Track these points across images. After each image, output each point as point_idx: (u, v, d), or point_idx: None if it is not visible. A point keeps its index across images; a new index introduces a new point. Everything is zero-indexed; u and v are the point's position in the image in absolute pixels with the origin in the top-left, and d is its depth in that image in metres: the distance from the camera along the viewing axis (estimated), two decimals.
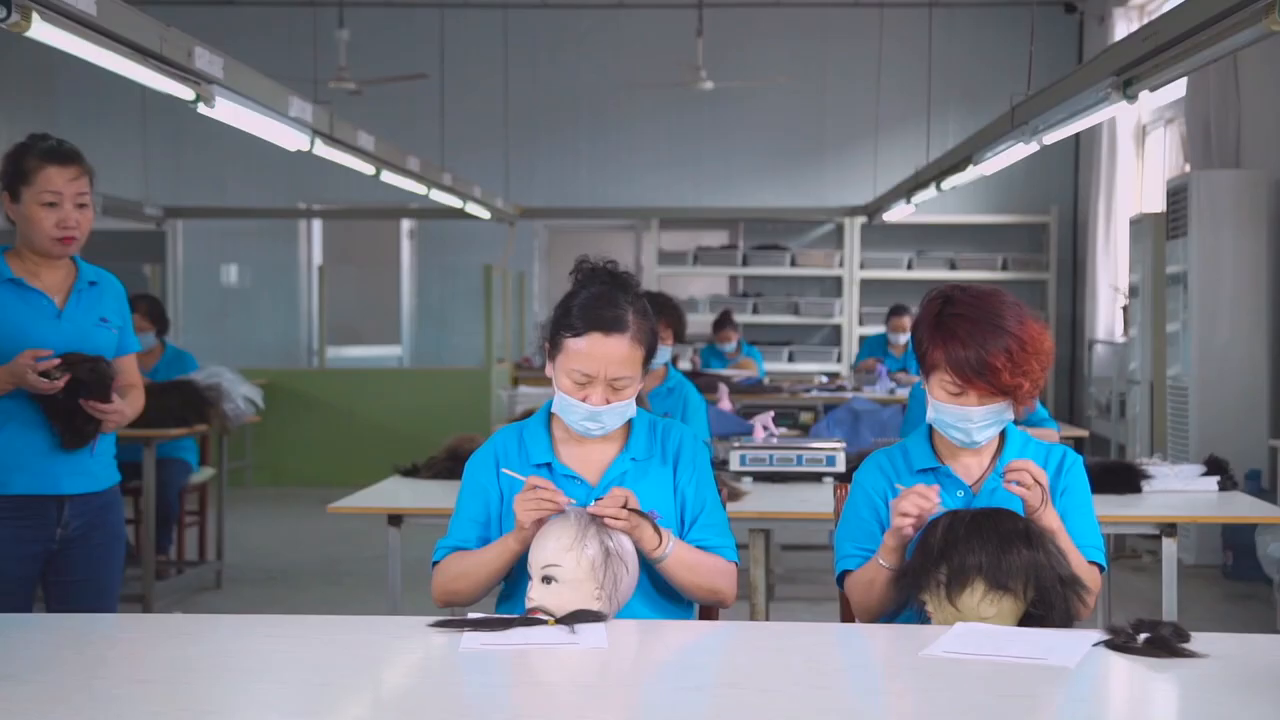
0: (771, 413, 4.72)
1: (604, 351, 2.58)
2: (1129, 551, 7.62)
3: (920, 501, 2.48)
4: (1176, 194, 7.62)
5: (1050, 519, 2.52)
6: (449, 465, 4.48)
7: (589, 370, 2.58)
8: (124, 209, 10.33)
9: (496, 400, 10.08)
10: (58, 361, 3.21)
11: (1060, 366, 11.37)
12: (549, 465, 2.67)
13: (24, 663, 2.11)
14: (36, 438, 3.29)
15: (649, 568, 2.58)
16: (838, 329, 11.82)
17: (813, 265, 11.69)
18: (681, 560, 2.58)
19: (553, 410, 2.70)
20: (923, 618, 2.46)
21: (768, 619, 4.25)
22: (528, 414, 2.92)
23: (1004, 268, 11.39)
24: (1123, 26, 9.85)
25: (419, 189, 8.34)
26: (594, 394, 2.59)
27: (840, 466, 4.36)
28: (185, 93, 4.39)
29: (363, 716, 1.91)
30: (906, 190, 9.07)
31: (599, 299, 2.61)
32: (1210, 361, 7.37)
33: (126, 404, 3.40)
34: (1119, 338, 9.59)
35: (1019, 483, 2.49)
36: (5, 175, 3.28)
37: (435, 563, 2.69)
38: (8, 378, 3.22)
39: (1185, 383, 7.50)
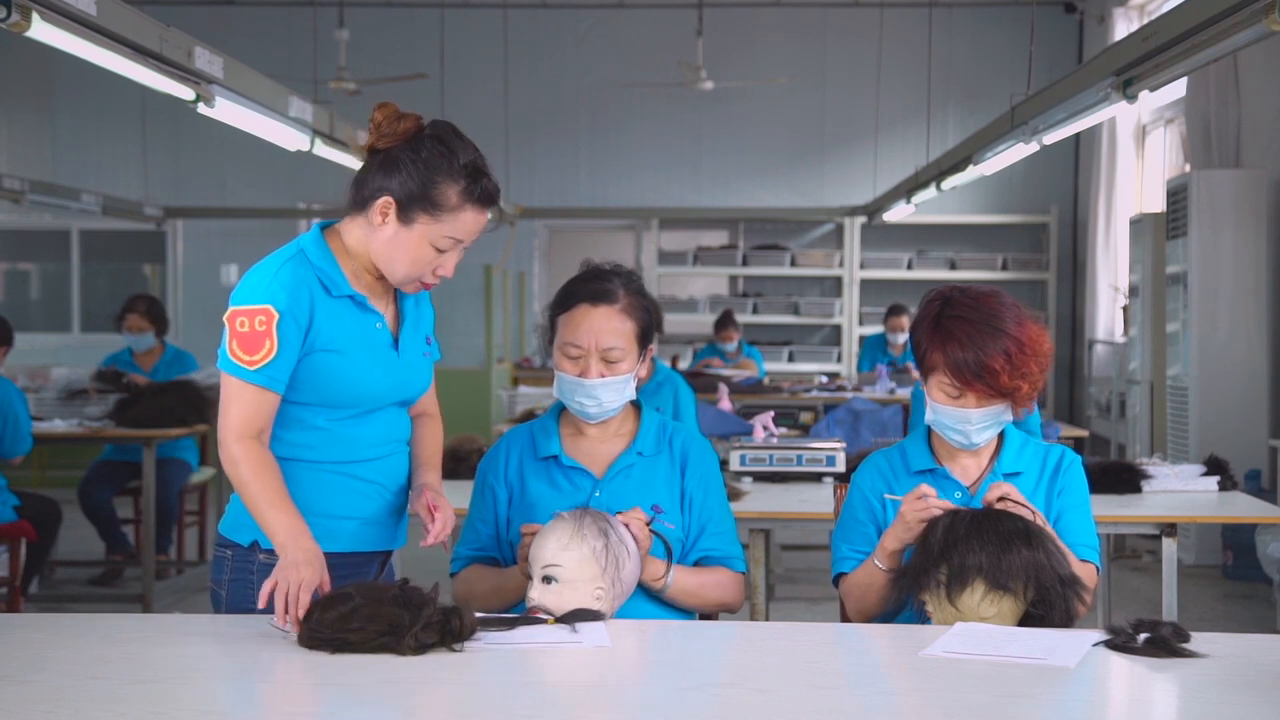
0: (771, 413, 4.72)
1: (591, 322, 2.61)
2: (1129, 551, 7.62)
3: (938, 503, 2.49)
4: (1176, 194, 7.62)
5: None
6: (449, 465, 4.46)
7: (579, 341, 2.61)
8: (124, 209, 10.33)
9: (496, 400, 10.08)
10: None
11: (1060, 366, 11.37)
12: (556, 458, 2.69)
13: (23, 663, 2.11)
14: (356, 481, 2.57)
15: None
16: (838, 329, 11.81)
17: (813, 265, 11.69)
18: (683, 588, 2.60)
19: (560, 402, 2.73)
20: (923, 618, 2.46)
21: (768, 619, 4.25)
22: (528, 414, 2.94)
23: (1004, 268, 11.39)
24: (1123, 26, 9.85)
25: None
26: (588, 368, 2.61)
27: (840, 466, 4.36)
28: (185, 93, 4.39)
29: (363, 716, 1.91)
30: (906, 190, 9.07)
31: (588, 276, 2.68)
32: (1210, 361, 7.37)
33: (434, 472, 2.62)
34: (1119, 338, 9.59)
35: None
36: (405, 184, 2.41)
37: (453, 574, 2.72)
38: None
39: (1185, 383, 7.50)
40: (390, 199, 2.42)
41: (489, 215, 2.49)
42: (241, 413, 2.42)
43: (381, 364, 2.52)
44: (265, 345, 2.40)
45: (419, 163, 2.40)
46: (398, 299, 2.60)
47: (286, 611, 2.25)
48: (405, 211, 2.42)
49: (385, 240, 2.45)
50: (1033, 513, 2.49)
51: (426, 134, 2.43)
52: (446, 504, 2.53)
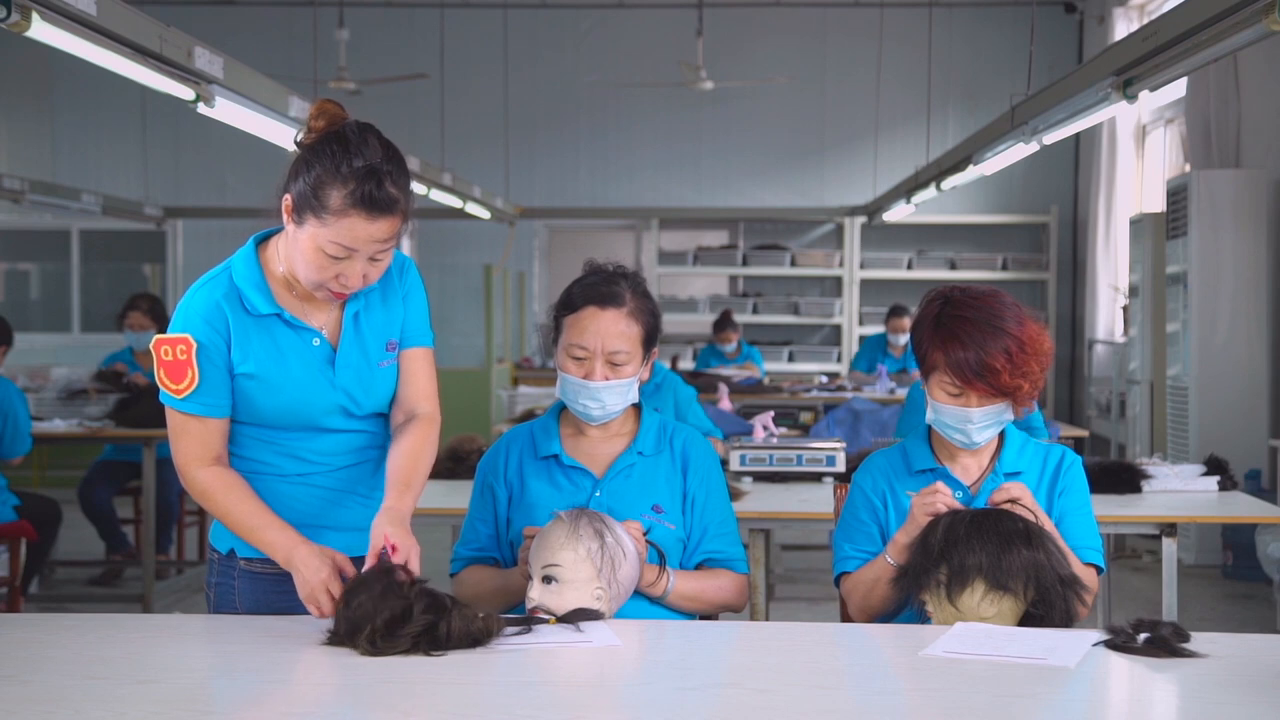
0: (771, 413, 4.72)
1: (599, 325, 2.61)
2: (1129, 551, 7.62)
3: (948, 500, 2.49)
4: (1176, 194, 7.62)
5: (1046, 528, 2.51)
6: (449, 465, 4.47)
7: (585, 344, 2.61)
8: (124, 209, 10.33)
9: (496, 400, 10.08)
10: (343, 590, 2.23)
11: (1060, 366, 11.37)
12: (557, 457, 2.69)
13: (23, 663, 2.11)
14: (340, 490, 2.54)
15: None
16: (838, 329, 11.82)
17: (813, 265, 11.69)
18: (682, 594, 2.61)
19: (561, 402, 2.73)
20: (923, 618, 2.46)
21: (768, 619, 4.25)
22: (528, 414, 2.93)
23: (1004, 268, 11.39)
24: (1123, 26, 9.85)
25: (419, 189, 8.33)
26: (593, 371, 2.61)
27: (840, 466, 4.36)
28: (185, 93, 4.39)
29: (362, 715, 1.91)
30: (906, 190, 9.07)
31: (596, 278, 2.68)
32: (1210, 361, 7.37)
33: (403, 495, 2.37)
34: (1119, 338, 9.59)
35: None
36: (297, 187, 2.32)
37: (453, 574, 2.72)
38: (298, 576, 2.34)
39: (1185, 383, 7.50)
40: (289, 198, 2.33)
41: (394, 224, 2.29)
42: (189, 443, 2.42)
43: (314, 383, 2.43)
44: (188, 375, 2.36)
45: (312, 162, 2.30)
46: (345, 320, 2.45)
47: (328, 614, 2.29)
48: (298, 212, 2.31)
49: (288, 242, 2.37)
50: (1039, 519, 2.49)
51: (335, 132, 2.32)
52: (406, 538, 2.29)
